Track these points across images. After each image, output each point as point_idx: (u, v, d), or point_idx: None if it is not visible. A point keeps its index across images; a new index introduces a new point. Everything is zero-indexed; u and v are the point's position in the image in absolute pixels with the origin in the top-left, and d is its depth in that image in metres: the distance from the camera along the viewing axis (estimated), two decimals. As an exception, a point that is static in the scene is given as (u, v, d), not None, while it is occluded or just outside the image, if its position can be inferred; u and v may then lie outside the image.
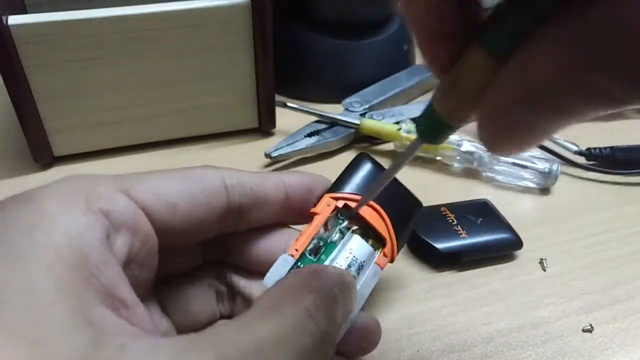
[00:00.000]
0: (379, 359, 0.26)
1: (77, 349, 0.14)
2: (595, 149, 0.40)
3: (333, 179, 0.40)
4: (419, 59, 0.54)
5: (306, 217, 0.24)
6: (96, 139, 0.39)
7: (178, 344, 0.15)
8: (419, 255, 0.32)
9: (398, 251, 0.24)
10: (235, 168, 0.23)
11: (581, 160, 0.40)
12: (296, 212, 0.24)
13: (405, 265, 0.32)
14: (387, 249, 0.24)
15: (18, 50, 0.34)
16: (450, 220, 0.32)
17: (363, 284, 0.22)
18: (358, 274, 0.23)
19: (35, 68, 0.35)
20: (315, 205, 0.24)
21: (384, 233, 0.24)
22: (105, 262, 0.16)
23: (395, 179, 0.25)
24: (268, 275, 0.22)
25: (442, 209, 0.33)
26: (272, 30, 0.38)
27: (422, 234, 0.32)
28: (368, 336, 0.22)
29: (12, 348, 0.13)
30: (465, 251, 0.31)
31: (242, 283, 0.24)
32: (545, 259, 0.32)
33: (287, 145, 0.39)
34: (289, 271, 0.22)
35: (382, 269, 0.23)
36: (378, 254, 0.24)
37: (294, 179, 0.24)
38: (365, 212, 0.24)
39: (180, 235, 0.21)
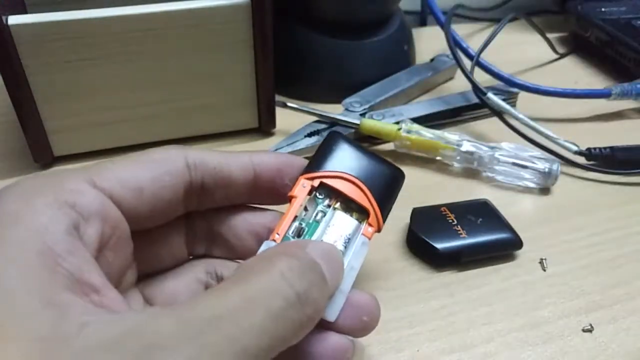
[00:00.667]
0: (379, 358, 0.26)
1: (37, 328, 0.14)
2: (595, 149, 0.40)
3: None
4: (419, 59, 0.54)
5: (276, 198, 0.24)
6: (96, 139, 0.39)
7: (142, 314, 0.16)
8: (419, 255, 0.32)
9: (384, 220, 0.24)
10: (202, 148, 0.23)
11: (581, 160, 0.40)
12: (265, 192, 0.24)
13: (405, 265, 0.32)
14: (372, 219, 0.23)
15: (18, 50, 0.34)
16: (450, 220, 0.32)
17: (353, 257, 0.22)
18: (345, 248, 0.23)
19: (35, 68, 0.35)
20: (291, 188, 0.24)
21: (365, 204, 0.23)
22: (70, 250, 0.17)
23: (373, 154, 0.25)
24: None
25: (442, 209, 0.33)
26: (272, 30, 0.38)
27: (422, 234, 0.32)
28: (366, 311, 0.22)
29: None
30: (465, 251, 0.31)
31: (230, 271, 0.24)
32: (545, 259, 0.32)
33: (287, 145, 0.39)
34: None
35: (369, 239, 0.23)
36: (364, 226, 0.23)
37: (263, 159, 0.24)
38: (344, 186, 0.24)
39: (148, 217, 0.21)
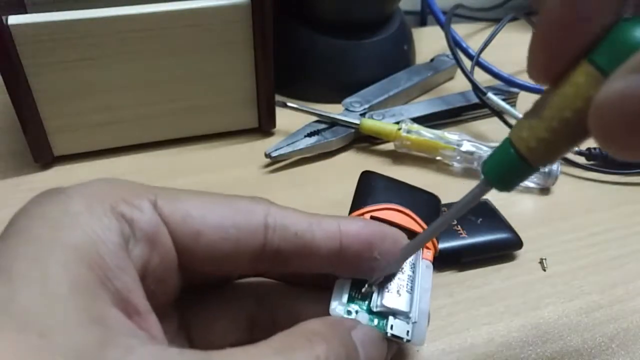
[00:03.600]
0: (379, 359, 0.26)
1: (84, 344, 0.14)
2: (595, 149, 0.40)
3: (335, 178, 0.40)
4: (419, 59, 0.54)
5: (361, 271, 0.22)
6: (96, 139, 0.39)
7: (185, 357, 0.15)
8: (419, 255, 0.32)
9: (438, 242, 0.24)
10: (289, 207, 0.21)
11: (581, 160, 0.40)
12: (350, 264, 0.21)
13: (405, 265, 0.32)
14: (427, 243, 0.24)
15: (18, 50, 0.34)
16: (450, 220, 0.32)
17: (422, 279, 0.23)
18: (413, 272, 0.23)
19: (35, 68, 0.35)
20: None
21: (417, 229, 0.24)
22: (121, 267, 0.16)
23: (407, 183, 0.26)
24: (332, 303, 0.21)
25: (442, 209, 0.33)
26: (272, 30, 0.38)
27: (422, 234, 0.32)
28: None
29: (18, 336, 0.13)
30: (465, 251, 0.31)
31: (286, 312, 0.22)
32: (545, 259, 0.32)
33: (287, 145, 0.39)
34: (350, 289, 0.22)
35: (431, 262, 0.23)
36: (422, 251, 0.24)
37: (352, 228, 0.21)
38: (393, 216, 0.24)
39: (202, 264, 0.20)
